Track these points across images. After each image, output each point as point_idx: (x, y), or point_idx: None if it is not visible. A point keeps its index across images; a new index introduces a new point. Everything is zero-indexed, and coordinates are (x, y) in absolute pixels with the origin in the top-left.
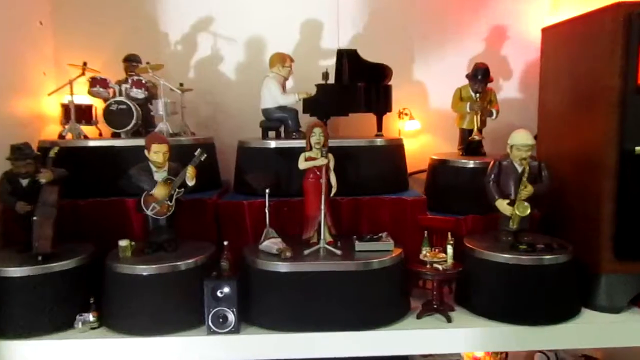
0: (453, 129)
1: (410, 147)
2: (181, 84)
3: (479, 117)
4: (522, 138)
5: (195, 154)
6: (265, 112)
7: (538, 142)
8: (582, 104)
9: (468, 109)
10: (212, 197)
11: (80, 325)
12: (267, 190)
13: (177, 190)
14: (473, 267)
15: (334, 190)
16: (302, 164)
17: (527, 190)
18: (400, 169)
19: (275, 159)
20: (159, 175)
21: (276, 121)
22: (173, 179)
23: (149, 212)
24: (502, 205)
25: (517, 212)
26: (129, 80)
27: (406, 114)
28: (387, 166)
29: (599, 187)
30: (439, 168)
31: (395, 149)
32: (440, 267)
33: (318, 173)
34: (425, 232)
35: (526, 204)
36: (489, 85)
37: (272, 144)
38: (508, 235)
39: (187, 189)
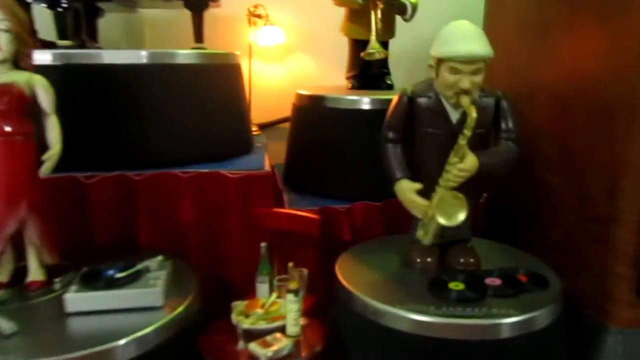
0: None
1: (271, 77)
2: None
3: (378, 13)
4: (461, 41)
5: None
6: None
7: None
8: None
9: None
10: None
11: None
12: None
13: None
14: (349, 335)
15: (49, 164)
16: None
17: (464, 166)
18: (232, 116)
19: None
20: None
21: None
22: None
23: None
24: (408, 194)
25: (437, 217)
26: None
27: (259, 16)
28: (204, 109)
29: (614, 149)
30: (308, 113)
31: (222, 74)
32: (265, 353)
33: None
34: (264, 244)
35: (458, 197)
36: None
37: None
38: (426, 255)
39: None
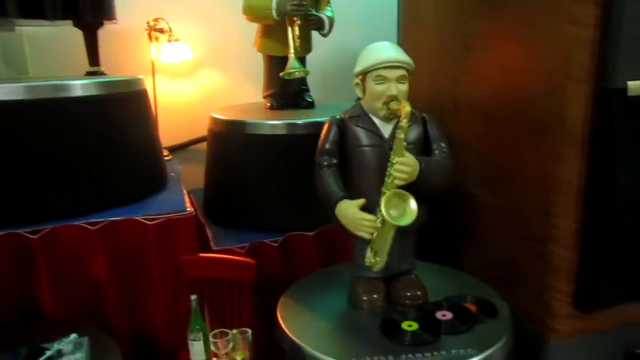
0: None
1: (181, 95)
2: None
3: (296, 28)
4: (382, 51)
5: None
6: None
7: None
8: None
9: (275, 13)
10: None
11: None
12: None
13: None
14: None
15: None
16: None
17: (406, 160)
18: (142, 149)
19: None
20: None
21: None
22: None
23: None
24: (352, 211)
25: (389, 219)
26: None
27: (162, 31)
28: (108, 147)
29: (545, 166)
30: (226, 139)
31: (126, 104)
32: None
33: None
34: (193, 297)
35: (402, 193)
36: None
37: None
38: (371, 292)
39: None
